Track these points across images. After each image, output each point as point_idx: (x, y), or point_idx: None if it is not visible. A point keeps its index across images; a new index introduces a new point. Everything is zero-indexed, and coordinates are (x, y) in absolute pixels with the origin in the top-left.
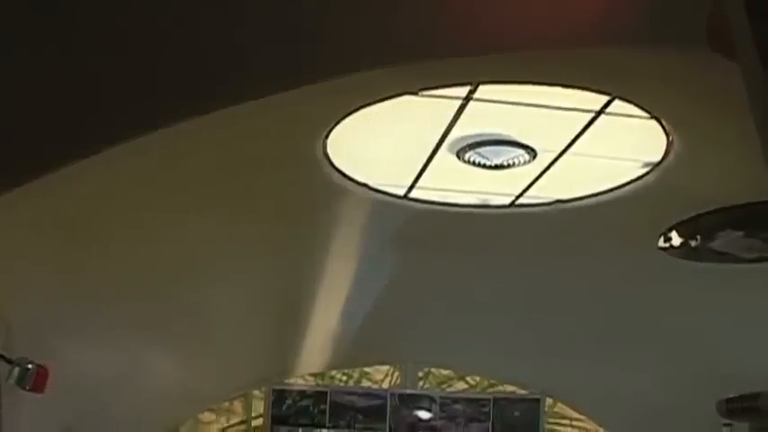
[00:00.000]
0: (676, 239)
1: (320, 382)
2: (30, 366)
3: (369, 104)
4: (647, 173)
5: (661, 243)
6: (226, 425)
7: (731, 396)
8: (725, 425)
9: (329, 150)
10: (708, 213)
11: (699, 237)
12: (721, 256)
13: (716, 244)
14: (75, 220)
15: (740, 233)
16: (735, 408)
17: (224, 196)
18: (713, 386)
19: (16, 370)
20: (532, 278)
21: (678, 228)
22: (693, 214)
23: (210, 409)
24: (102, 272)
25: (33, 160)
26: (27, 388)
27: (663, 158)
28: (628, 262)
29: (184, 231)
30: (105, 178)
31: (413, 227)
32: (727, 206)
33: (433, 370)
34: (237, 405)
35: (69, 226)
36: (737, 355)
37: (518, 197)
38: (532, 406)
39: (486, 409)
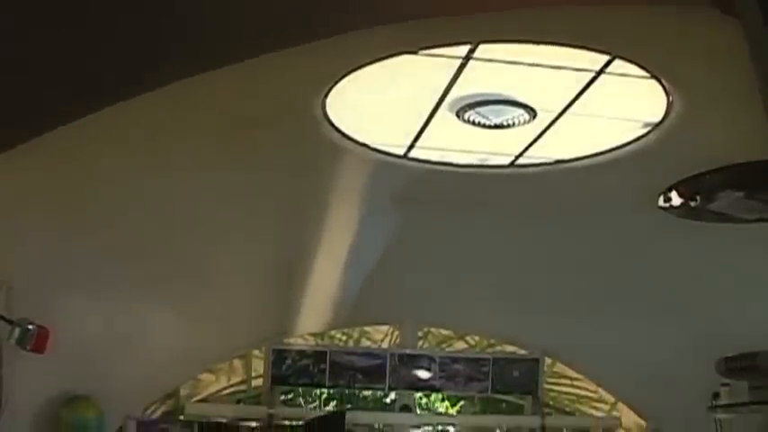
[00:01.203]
0: (676, 200)
1: (320, 342)
2: (30, 327)
3: (368, 64)
4: (648, 133)
5: (661, 203)
6: (226, 385)
7: (730, 355)
8: (723, 384)
9: (329, 110)
10: (708, 173)
11: (698, 197)
12: (721, 217)
13: (716, 205)
14: (74, 180)
15: (740, 194)
16: (733, 367)
17: (224, 156)
18: (712, 346)
19: (17, 330)
20: (532, 238)
21: (678, 187)
22: (694, 173)
23: (210, 370)
24: (102, 232)
25: (31, 120)
26: (28, 348)
27: (663, 119)
28: (627, 222)
29: (184, 191)
30: (105, 138)
31: (412, 186)
32: (727, 165)
33: (432, 330)
34: (238, 365)
35: (69, 186)
36: (736, 314)
37: (518, 157)
38: (531, 366)
39: (485, 369)
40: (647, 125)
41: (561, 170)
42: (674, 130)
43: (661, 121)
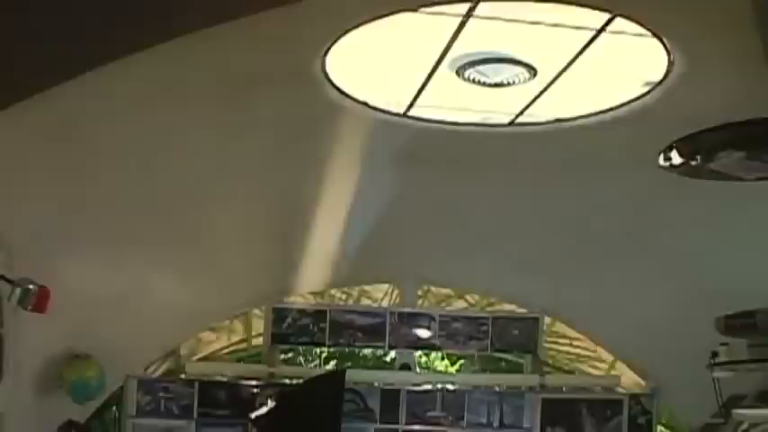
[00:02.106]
0: (676, 158)
1: (320, 300)
2: (31, 287)
3: (368, 22)
4: (648, 92)
5: (661, 161)
6: (226, 344)
7: (729, 313)
8: (722, 344)
9: (328, 68)
10: (709, 130)
11: (699, 156)
12: (722, 175)
13: (716, 164)
14: (74, 138)
15: (741, 154)
16: (733, 324)
17: (224, 113)
18: (712, 304)
19: (18, 290)
20: (532, 196)
21: (679, 146)
22: (693, 132)
23: (211, 328)
24: (101, 191)
25: (29, 78)
26: (29, 308)
27: (664, 78)
28: (628, 180)
29: (185, 148)
30: (105, 95)
31: (413, 145)
32: (727, 123)
33: (432, 288)
34: (238, 324)
35: (67, 146)
36: (737, 273)
37: (518, 116)
38: (531, 325)
39: (484, 328)
40: (647, 84)
41: (561, 129)
42: (674, 90)
43: (662, 81)
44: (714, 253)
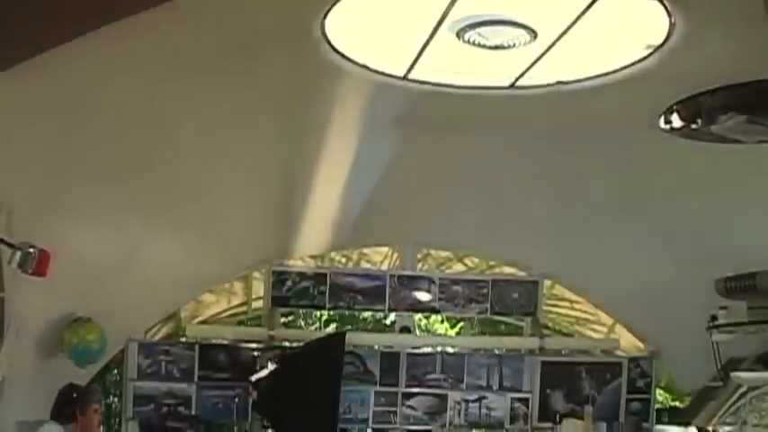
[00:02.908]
0: (677, 122)
1: (320, 264)
2: (32, 250)
3: None
4: (649, 55)
5: (662, 125)
6: (226, 307)
7: (729, 275)
8: (721, 308)
9: (328, 30)
10: (708, 92)
11: (700, 120)
12: (723, 138)
13: (717, 127)
14: (73, 101)
15: (743, 117)
16: (733, 287)
17: (223, 77)
18: (711, 267)
19: (18, 254)
20: (532, 160)
21: (679, 109)
22: (694, 93)
23: (211, 291)
24: (101, 154)
25: (29, 39)
26: (29, 272)
27: (665, 40)
28: (628, 144)
29: (184, 113)
30: (105, 57)
31: (413, 108)
32: (729, 84)
33: (431, 251)
34: (238, 287)
35: (68, 108)
36: (737, 236)
37: (518, 78)
38: (531, 288)
39: (484, 291)
40: (648, 47)
41: (562, 92)
42: (675, 52)
43: (663, 43)
44: (714, 216)
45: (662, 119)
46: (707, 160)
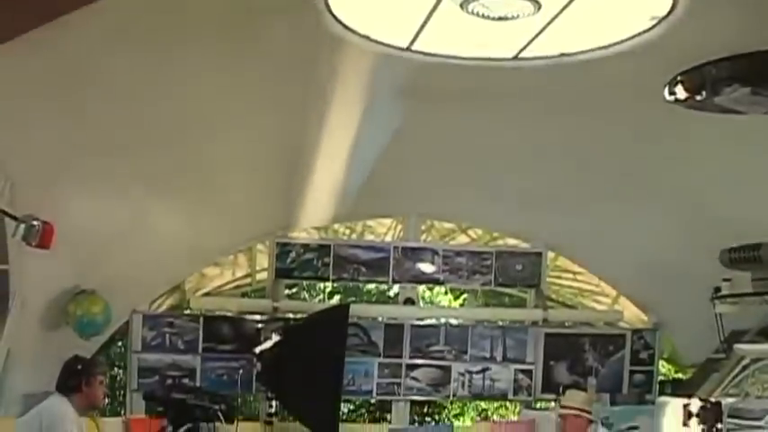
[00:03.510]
0: (681, 93)
1: (323, 235)
2: (35, 223)
3: None
4: (654, 26)
5: (666, 96)
6: (230, 279)
7: (734, 246)
8: (724, 279)
9: (330, 1)
10: (711, 63)
11: (704, 92)
12: (727, 110)
13: (721, 99)
14: (75, 73)
15: (747, 89)
16: (737, 257)
17: (225, 48)
18: (715, 239)
19: (22, 227)
20: (536, 131)
21: (684, 80)
22: (697, 64)
23: (215, 263)
24: (103, 126)
25: (31, 10)
26: (33, 244)
27: (670, 11)
28: (632, 116)
29: (186, 83)
30: (106, 30)
31: (415, 79)
32: (733, 55)
33: (435, 223)
34: (242, 259)
35: (70, 80)
36: (740, 207)
37: (522, 50)
38: (534, 259)
39: (488, 263)
40: (653, 18)
41: (565, 63)
42: (680, 24)
43: (667, 15)
44: (718, 187)
45: (666, 90)
46: (711, 131)
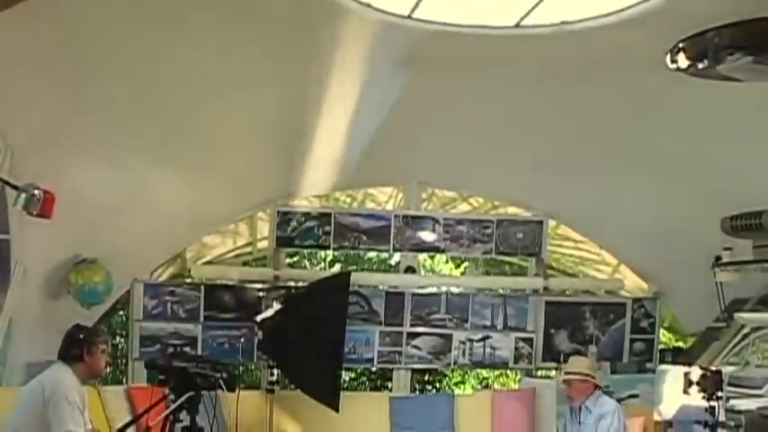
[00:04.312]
0: (683, 61)
1: (324, 204)
2: (36, 192)
3: None
4: None
5: (669, 63)
6: (232, 247)
7: (735, 213)
8: (725, 248)
9: None
10: (716, 29)
11: (706, 59)
12: (729, 78)
13: (723, 67)
14: (75, 42)
15: (749, 58)
16: (738, 225)
17: (226, 16)
18: (715, 208)
19: (22, 196)
20: (537, 100)
21: (686, 47)
22: (699, 31)
23: (216, 232)
24: (103, 95)
25: None
26: (34, 213)
27: None
28: (633, 84)
29: (187, 53)
30: None
31: (416, 47)
32: (735, 22)
33: (436, 192)
34: (243, 228)
35: (70, 49)
36: (740, 176)
37: (523, 18)
38: (535, 228)
39: (489, 231)
40: None
41: (567, 31)
42: None
43: None
44: (719, 155)
45: (668, 58)
46: (712, 100)
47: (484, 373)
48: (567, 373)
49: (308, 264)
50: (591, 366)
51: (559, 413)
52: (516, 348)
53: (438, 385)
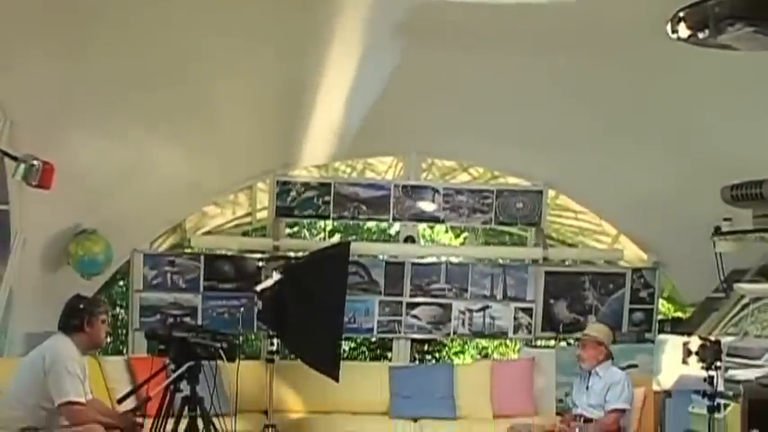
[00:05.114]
0: (683, 31)
1: (324, 174)
2: (35, 163)
3: None
4: None
5: (669, 33)
6: (231, 218)
7: (736, 182)
8: (725, 219)
9: None
10: None
11: (707, 29)
12: (731, 48)
13: (724, 37)
14: (75, 13)
15: (750, 29)
16: (738, 194)
17: None
18: (715, 178)
19: (22, 166)
20: (536, 70)
21: (685, 16)
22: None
23: (215, 202)
24: (103, 67)
25: None
26: (33, 184)
27: None
28: (632, 54)
29: (185, 23)
30: None
31: (416, 17)
32: None
33: (436, 161)
34: (242, 198)
35: (69, 20)
36: (741, 144)
37: None
38: (535, 198)
39: (488, 201)
40: None
41: (566, 2)
42: None
43: None
44: (719, 125)
45: (668, 27)
46: (711, 68)
47: (483, 342)
48: (584, 335)
49: (307, 234)
50: (607, 335)
51: (559, 383)
52: (515, 318)
53: (437, 355)
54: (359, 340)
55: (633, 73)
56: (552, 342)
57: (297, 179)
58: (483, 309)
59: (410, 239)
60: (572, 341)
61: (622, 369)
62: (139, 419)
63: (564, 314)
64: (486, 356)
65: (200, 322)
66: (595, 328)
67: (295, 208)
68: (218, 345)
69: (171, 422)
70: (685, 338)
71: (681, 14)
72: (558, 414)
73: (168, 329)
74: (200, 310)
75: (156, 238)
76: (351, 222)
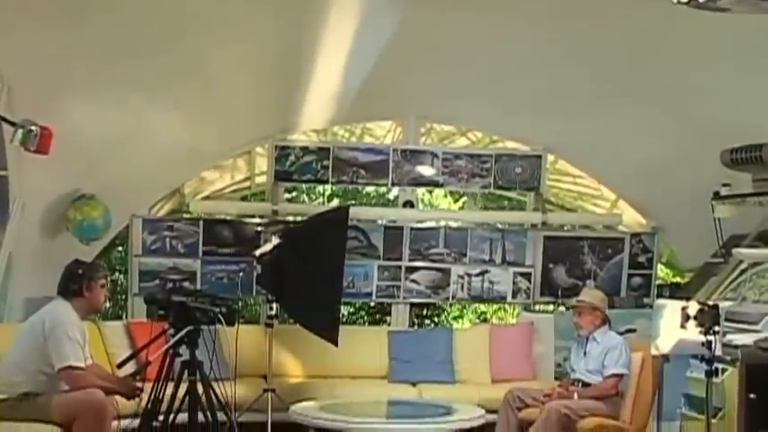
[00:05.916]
0: None
1: (323, 138)
2: (33, 128)
3: None
4: None
5: None
6: (230, 182)
7: (736, 146)
8: (724, 184)
9: None
10: None
11: None
12: (730, 11)
13: (724, 2)
14: None
15: None
16: (738, 158)
17: None
18: (714, 142)
19: (19, 132)
20: (534, 35)
21: None
22: None
23: (214, 167)
24: (101, 32)
25: None
26: (32, 150)
27: None
28: (631, 18)
29: None
30: None
31: None
32: None
33: (434, 126)
34: (241, 163)
35: None
36: (741, 108)
37: None
38: (534, 162)
39: (487, 165)
40: None
41: None
42: None
43: None
44: (718, 90)
45: None
46: (710, 32)
47: (482, 307)
48: (578, 301)
49: (306, 198)
50: (602, 299)
51: (557, 348)
52: (514, 283)
53: (436, 320)
54: (358, 305)
55: (633, 37)
56: (551, 307)
57: (295, 144)
58: (482, 273)
59: (409, 204)
60: (570, 307)
61: (621, 334)
62: (139, 384)
63: (563, 279)
64: (484, 321)
65: (199, 287)
66: (589, 294)
67: (294, 173)
68: (218, 309)
69: (170, 386)
70: (684, 303)
71: None
72: (556, 379)
73: (167, 294)
74: (199, 274)
75: (154, 203)
76: (350, 187)
